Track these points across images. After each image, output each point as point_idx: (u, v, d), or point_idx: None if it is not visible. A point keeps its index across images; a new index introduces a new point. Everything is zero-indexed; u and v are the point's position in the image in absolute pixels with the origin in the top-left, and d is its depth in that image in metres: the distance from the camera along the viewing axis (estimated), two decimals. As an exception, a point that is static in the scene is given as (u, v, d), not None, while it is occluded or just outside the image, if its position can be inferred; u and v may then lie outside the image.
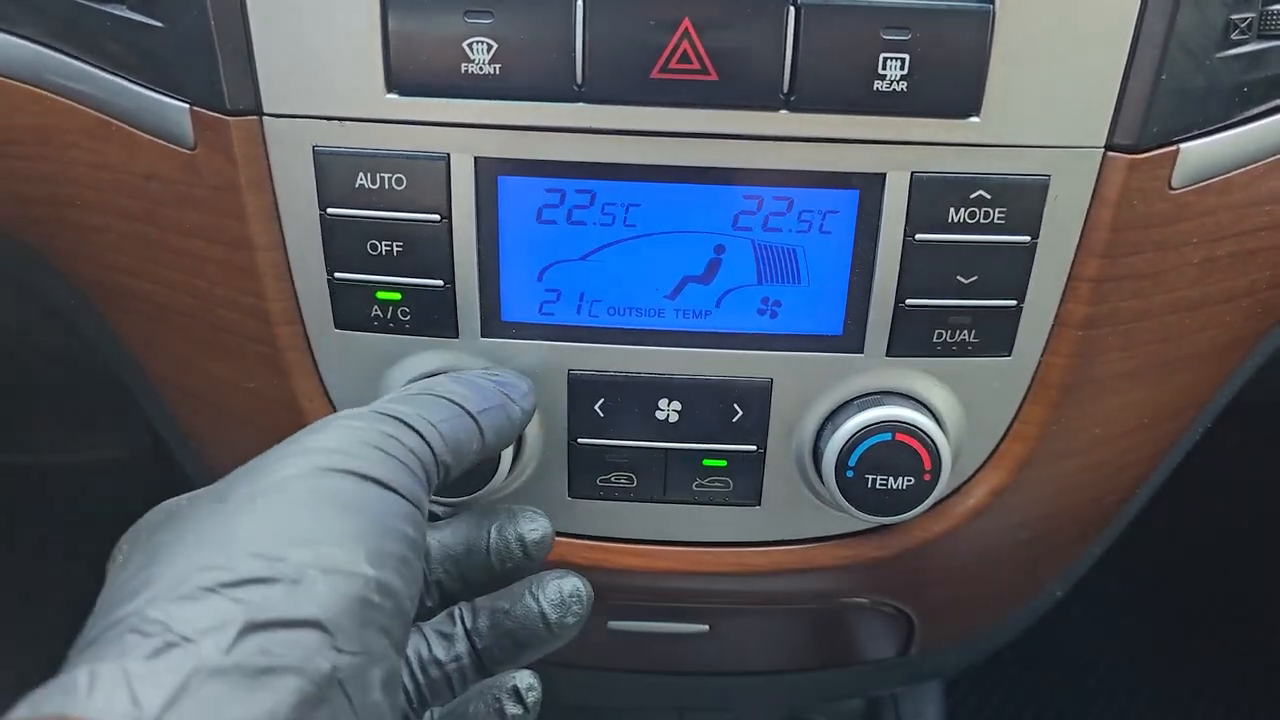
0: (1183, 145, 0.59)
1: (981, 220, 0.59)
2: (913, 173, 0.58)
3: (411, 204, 0.59)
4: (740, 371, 0.64)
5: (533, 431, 0.65)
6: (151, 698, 0.36)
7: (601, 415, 0.65)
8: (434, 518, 0.62)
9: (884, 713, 1.15)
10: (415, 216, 0.59)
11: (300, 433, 0.50)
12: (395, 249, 0.60)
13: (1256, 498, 1.42)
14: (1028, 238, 0.59)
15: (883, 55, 0.55)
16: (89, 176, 0.64)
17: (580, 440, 0.66)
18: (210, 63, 0.57)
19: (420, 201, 0.59)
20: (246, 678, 0.38)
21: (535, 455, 0.67)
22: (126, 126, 0.61)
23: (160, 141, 0.61)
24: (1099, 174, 0.59)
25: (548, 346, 0.63)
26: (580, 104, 0.56)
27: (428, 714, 0.57)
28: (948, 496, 0.69)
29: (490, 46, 0.55)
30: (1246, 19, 0.57)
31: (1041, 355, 0.64)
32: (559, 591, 0.58)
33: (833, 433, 0.63)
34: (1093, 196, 0.59)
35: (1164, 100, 0.57)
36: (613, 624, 0.81)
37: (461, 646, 0.58)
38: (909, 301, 0.61)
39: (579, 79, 0.56)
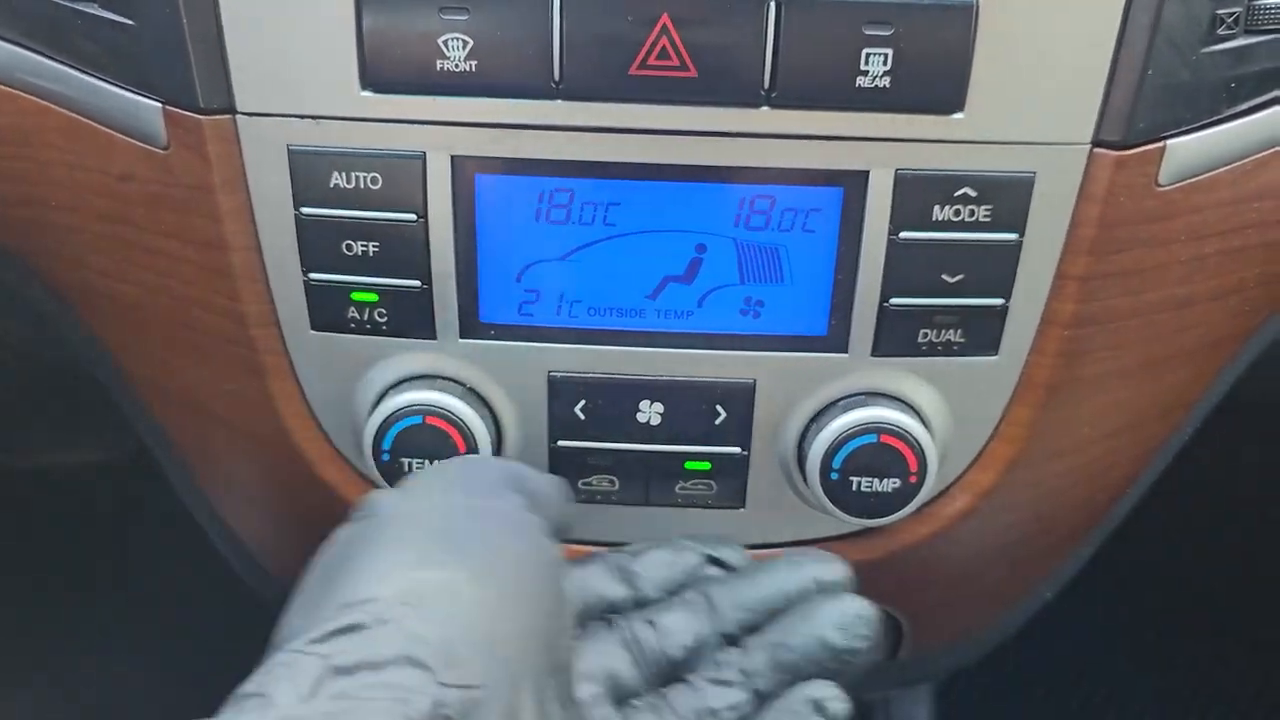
0: (1170, 142, 0.58)
1: (967, 218, 0.58)
2: (896, 170, 0.57)
3: (387, 203, 0.58)
4: (723, 373, 0.63)
5: (513, 434, 0.65)
6: None
7: (582, 417, 0.64)
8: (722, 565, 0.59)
9: (875, 716, 1.15)
10: (391, 216, 0.58)
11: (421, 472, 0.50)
12: (371, 249, 0.59)
13: (1253, 497, 1.42)
14: (1014, 235, 0.59)
15: (865, 51, 0.54)
16: (64, 177, 0.63)
17: (561, 443, 0.65)
18: (182, 61, 0.56)
19: (396, 201, 0.58)
20: (335, 702, 0.37)
21: (515, 458, 0.66)
22: (100, 126, 0.61)
23: (134, 141, 0.60)
24: (1085, 171, 0.58)
25: (527, 348, 0.62)
26: (558, 101, 0.56)
27: None
28: (934, 498, 0.68)
29: (466, 43, 0.54)
30: (1233, 13, 0.56)
31: (1028, 355, 0.63)
32: (841, 614, 0.53)
33: (817, 435, 0.62)
34: (1079, 194, 0.58)
35: (1150, 96, 0.56)
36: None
37: (739, 694, 0.53)
38: (894, 301, 0.60)
39: (556, 76, 0.55)
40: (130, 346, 0.70)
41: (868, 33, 0.53)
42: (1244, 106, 0.59)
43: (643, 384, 0.63)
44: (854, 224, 0.59)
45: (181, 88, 0.57)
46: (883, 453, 0.61)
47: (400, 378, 0.63)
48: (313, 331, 0.63)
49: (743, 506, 0.67)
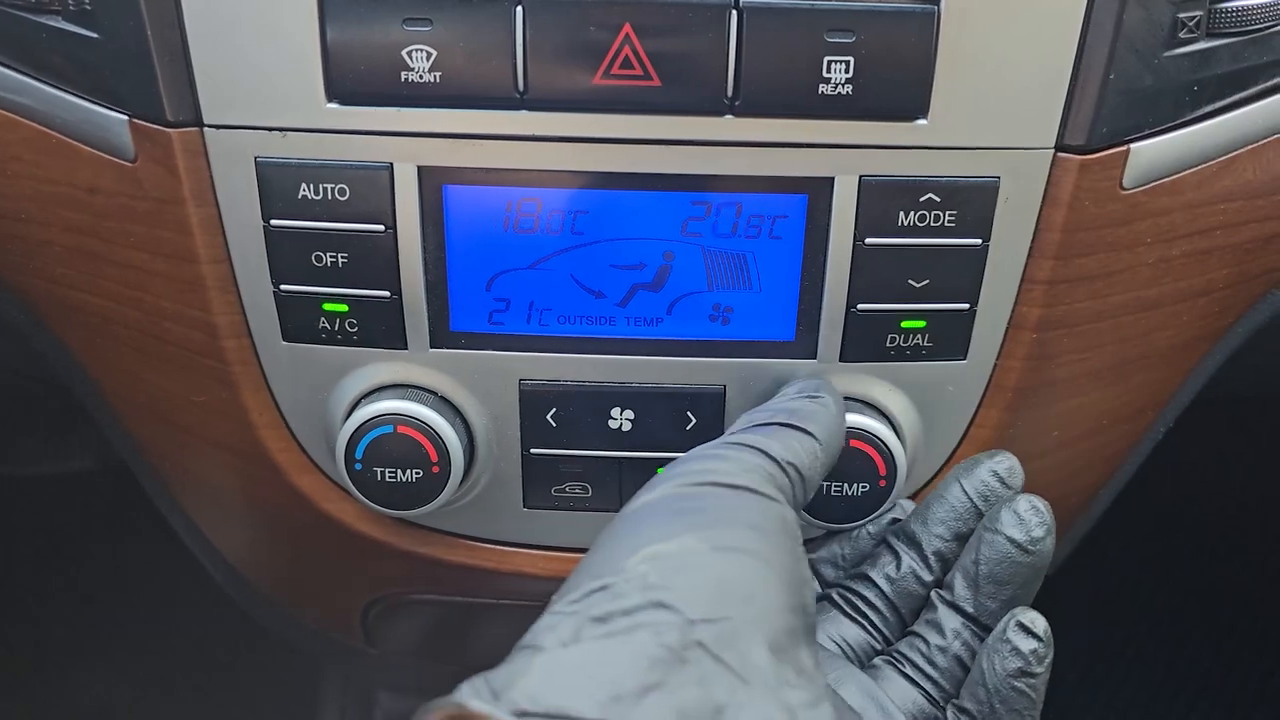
0: (1133, 145, 0.58)
1: (932, 223, 0.58)
2: (861, 176, 0.57)
3: (356, 214, 0.58)
4: (693, 379, 0.63)
5: (485, 442, 0.65)
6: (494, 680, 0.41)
7: (554, 425, 0.64)
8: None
9: None
10: (360, 227, 0.59)
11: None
12: (341, 260, 0.59)
13: (1248, 494, 1.42)
14: (979, 240, 0.59)
15: (827, 58, 0.54)
16: (32, 189, 0.63)
17: (533, 450, 0.65)
18: (148, 74, 0.56)
19: (364, 212, 0.58)
20: (597, 640, 0.42)
21: (489, 466, 0.66)
22: (67, 139, 0.60)
23: (101, 154, 0.60)
24: (1050, 175, 0.58)
25: (498, 356, 0.62)
26: (523, 111, 0.56)
27: (949, 708, 0.57)
28: (907, 502, 0.68)
29: (430, 54, 0.54)
30: (1194, 17, 0.56)
31: (997, 358, 0.63)
32: (1014, 512, 0.56)
33: (787, 439, 0.62)
34: (1044, 198, 0.59)
35: (1113, 100, 0.56)
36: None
37: (953, 622, 0.58)
38: (861, 306, 0.60)
39: (520, 86, 0.55)
40: (102, 359, 0.70)
41: (830, 40, 0.54)
42: (1207, 109, 0.59)
43: (613, 391, 0.63)
44: (820, 230, 0.59)
45: (148, 101, 0.57)
46: (852, 457, 0.61)
47: (372, 387, 0.63)
48: (284, 342, 0.63)
49: (716, 511, 0.67)
